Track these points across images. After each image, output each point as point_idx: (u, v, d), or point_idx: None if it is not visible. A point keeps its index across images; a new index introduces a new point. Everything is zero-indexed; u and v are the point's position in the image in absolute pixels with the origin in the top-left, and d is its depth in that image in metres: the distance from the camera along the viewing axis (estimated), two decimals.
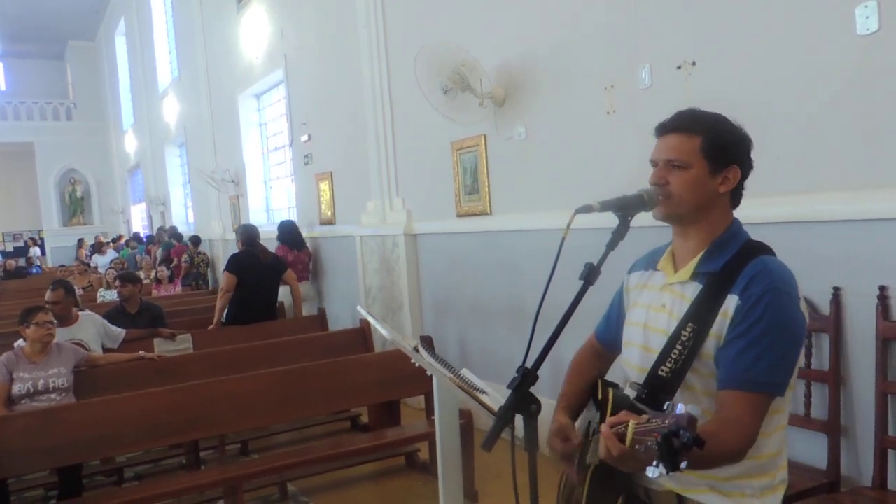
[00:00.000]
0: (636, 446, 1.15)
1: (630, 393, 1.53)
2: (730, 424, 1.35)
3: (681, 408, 1.14)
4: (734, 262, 1.45)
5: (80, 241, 18.00)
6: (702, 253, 1.50)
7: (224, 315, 5.89)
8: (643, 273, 1.67)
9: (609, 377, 1.73)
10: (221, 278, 6.02)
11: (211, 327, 5.77)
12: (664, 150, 1.51)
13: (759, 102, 2.91)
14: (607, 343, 1.78)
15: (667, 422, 1.13)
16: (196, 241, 10.82)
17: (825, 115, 2.71)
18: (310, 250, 7.43)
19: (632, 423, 1.18)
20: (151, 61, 15.21)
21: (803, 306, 1.44)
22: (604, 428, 1.22)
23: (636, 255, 2.44)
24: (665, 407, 1.17)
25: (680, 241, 1.57)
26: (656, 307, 1.55)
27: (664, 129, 1.53)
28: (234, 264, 5.85)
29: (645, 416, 1.18)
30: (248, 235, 6.13)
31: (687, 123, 1.50)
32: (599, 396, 1.63)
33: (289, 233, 7.18)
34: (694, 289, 1.49)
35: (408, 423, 4.56)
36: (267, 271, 6.00)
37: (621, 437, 1.18)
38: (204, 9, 10.73)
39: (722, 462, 1.37)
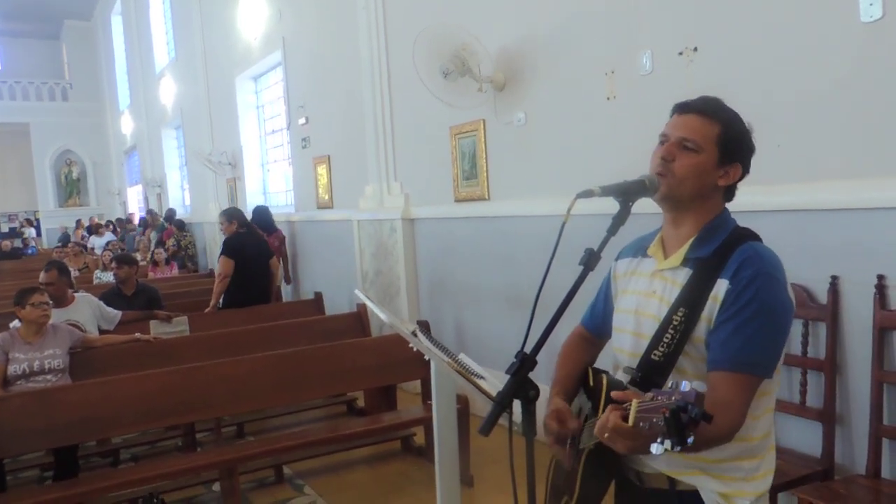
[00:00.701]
0: (640, 423, 1.17)
1: (623, 377, 1.54)
2: (719, 407, 1.35)
3: (685, 385, 1.16)
4: (724, 248, 1.47)
5: (78, 221, 17.83)
6: (692, 239, 1.52)
7: (220, 300, 5.85)
8: (631, 260, 1.67)
9: (598, 365, 1.73)
10: (218, 263, 5.89)
11: (207, 310, 5.74)
12: (681, 127, 1.50)
13: (761, 89, 2.89)
14: (594, 331, 1.79)
15: (673, 398, 1.14)
16: (180, 224, 10.85)
17: (827, 103, 2.70)
18: (281, 233, 7.50)
19: (635, 401, 1.20)
20: (148, 42, 15.06)
21: (790, 291, 1.46)
22: (616, 395, 1.27)
23: None
24: (670, 385, 1.19)
25: (670, 228, 1.57)
26: (647, 293, 1.56)
27: (686, 108, 1.52)
28: (230, 248, 5.76)
29: (649, 395, 1.20)
30: (244, 217, 6.08)
31: (711, 109, 1.50)
32: (591, 383, 1.64)
33: (263, 217, 7.25)
34: (685, 274, 1.50)
35: (404, 407, 4.57)
36: (260, 255, 5.96)
37: (625, 416, 1.20)
38: None
39: (711, 445, 1.38)
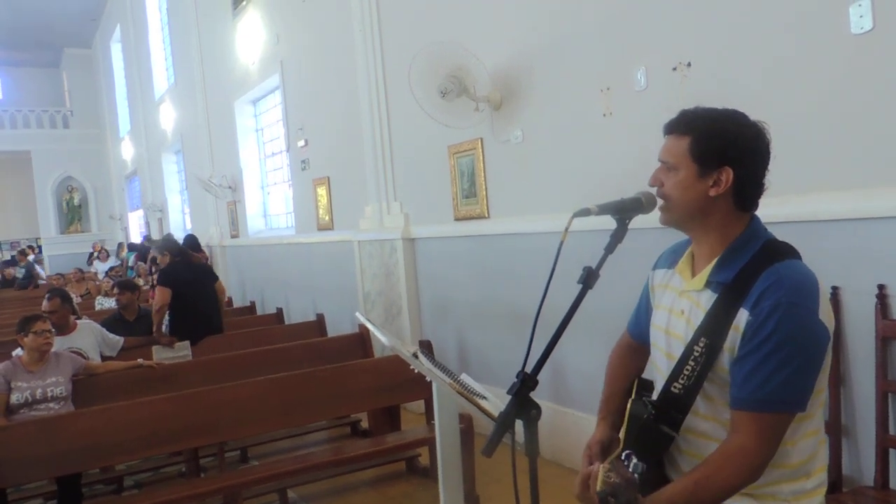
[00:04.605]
0: (604, 488, 1.25)
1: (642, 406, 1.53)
2: (734, 455, 1.34)
3: (635, 463, 1.23)
4: (747, 272, 1.39)
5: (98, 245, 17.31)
6: (715, 260, 1.46)
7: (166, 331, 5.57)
8: (666, 272, 1.62)
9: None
10: (156, 293, 5.63)
11: (164, 340, 5.32)
12: (662, 150, 1.50)
13: (755, 102, 2.89)
14: (639, 338, 1.73)
15: (612, 479, 1.21)
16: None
17: (821, 115, 2.71)
18: (205, 254, 7.72)
19: (602, 468, 1.26)
20: (147, 68, 15.21)
21: (826, 310, 1.38)
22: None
23: (635, 258, 2.45)
24: (623, 456, 1.25)
25: (696, 246, 1.53)
26: (676, 312, 1.52)
27: (665, 130, 1.51)
28: (164, 278, 5.57)
29: (608, 465, 1.26)
30: (177, 246, 6.01)
31: (683, 123, 1.47)
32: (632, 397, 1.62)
33: (190, 243, 7.49)
34: (709, 297, 1.44)
35: (408, 427, 4.55)
36: (197, 280, 5.76)
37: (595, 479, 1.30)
38: (199, 15, 10.73)
39: (733, 492, 1.36)
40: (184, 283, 5.57)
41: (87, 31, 20.51)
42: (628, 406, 1.54)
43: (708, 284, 1.45)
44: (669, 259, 1.63)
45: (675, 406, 1.44)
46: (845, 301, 2.64)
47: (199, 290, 5.70)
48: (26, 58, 21.55)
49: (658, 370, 1.57)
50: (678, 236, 1.61)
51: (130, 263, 12.62)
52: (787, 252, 1.43)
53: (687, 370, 1.42)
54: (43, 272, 15.26)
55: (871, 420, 2.55)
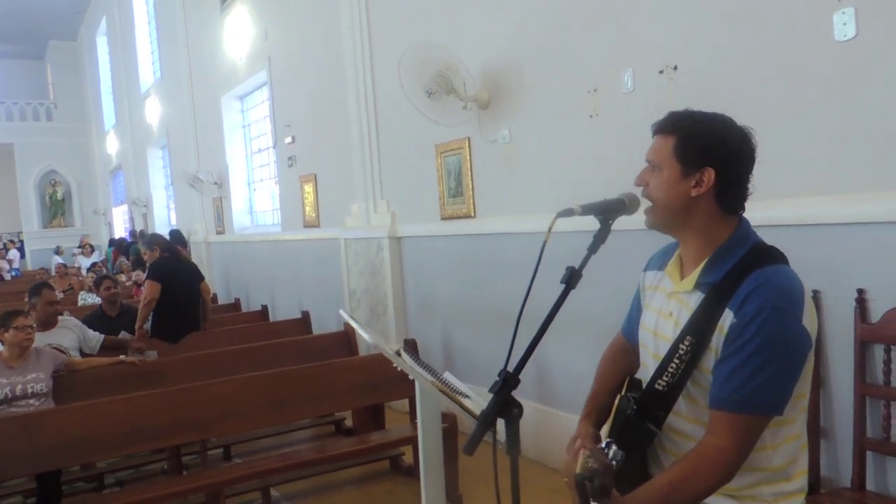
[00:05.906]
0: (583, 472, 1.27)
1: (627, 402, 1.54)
2: (709, 456, 1.36)
3: (614, 450, 1.27)
4: (734, 273, 1.41)
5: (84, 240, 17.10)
6: (705, 262, 1.47)
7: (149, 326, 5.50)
8: (656, 273, 1.64)
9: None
10: (144, 287, 5.54)
11: (137, 336, 5.32)
12: (648, 150, 1.51)
13: (741, 106, 2.91)
14: (632, 339, 1.74)
15: (590, 465, 1.23)
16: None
17: (805, 121, 2.74)
18: (188, 249, 7.64)
19: (583, 454, 1.26)
20: (133, 62, 15.08)
21: (810, 316, 1.39)
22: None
23: (619, 258, 2.46)
24: (604, 444, 1.28)
25: (682, 248, 1.55)
26: (665, 314, 1.54)
27: (653, 131, 1.53)
28: (156, 272, 5.49)
29: (588, 452, 1.27)
30: (165, 241, 5.95)
31: (669, 123, 1.49)
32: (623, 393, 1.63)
33: (176, 237, 7.51)
34: (697, 298, 1.46)
35: (392, 426, 4.55)
36: (188, 281, 5.72)
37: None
38: (187, 10, 10.66)
39: (703, 496, 1.37)
40: (174, 278, 5.53)
41: (73, 23, 20.31)
42: (616, 402, 1.56)
43: (697, 286, 1.47)
44: (660, 261, 1.65)
45: (657, 403, 1.45)
46: (825, 305, 2.67)
47: (186, 288, 5.66)
48: (10, 49, 21.31)
49: (646, 371, 1.58)
50: (661, 238, 1.62)
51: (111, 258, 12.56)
52: (774, 256, 1.44)
53: (671, 368, 1.43)
54: (64, 261, 14.80)
55: (850, 422, 2.58)
